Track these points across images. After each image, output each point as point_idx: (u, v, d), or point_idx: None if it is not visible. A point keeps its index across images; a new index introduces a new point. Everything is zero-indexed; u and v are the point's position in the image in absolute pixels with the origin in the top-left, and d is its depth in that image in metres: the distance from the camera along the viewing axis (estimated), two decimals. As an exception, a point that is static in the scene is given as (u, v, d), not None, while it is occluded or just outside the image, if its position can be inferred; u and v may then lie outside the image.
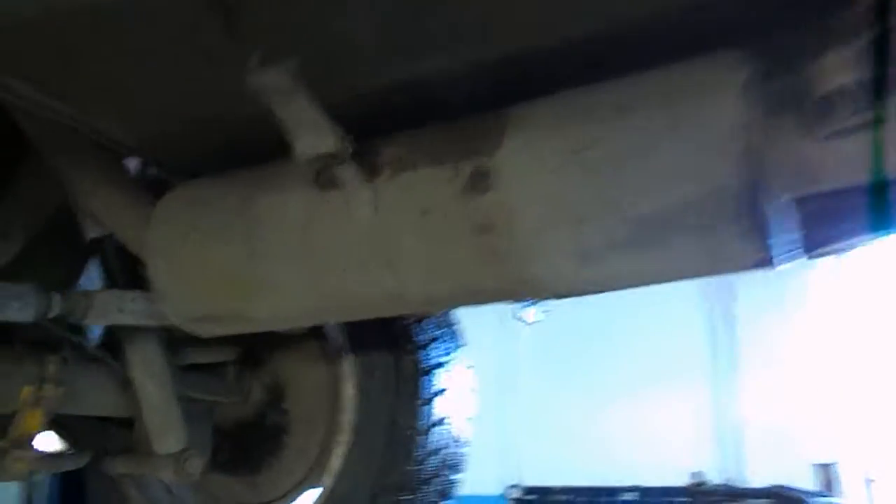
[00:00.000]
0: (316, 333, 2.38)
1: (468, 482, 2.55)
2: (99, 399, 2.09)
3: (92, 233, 1.88)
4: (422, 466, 2.26)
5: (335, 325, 2.36)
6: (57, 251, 2.26)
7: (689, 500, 7.50)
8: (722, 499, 7.17)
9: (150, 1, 1.19)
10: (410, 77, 1.33)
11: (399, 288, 1.39)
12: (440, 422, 2.32)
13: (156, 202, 1.65)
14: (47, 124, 1.72)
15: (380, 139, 1.40)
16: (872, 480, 7.34)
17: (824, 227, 1.61)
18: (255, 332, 1.73)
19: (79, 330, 2.18)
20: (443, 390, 2.34)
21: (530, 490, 8.20)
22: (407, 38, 1.26)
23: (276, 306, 1.52)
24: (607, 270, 1.24)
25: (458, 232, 1.29)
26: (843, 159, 1.14)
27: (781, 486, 6.77)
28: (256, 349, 2.44)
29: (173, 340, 2.11)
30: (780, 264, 1.16)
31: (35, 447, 1.85)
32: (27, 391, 1.87)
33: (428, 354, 2.34)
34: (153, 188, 1.86)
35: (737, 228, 1.12)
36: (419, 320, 2.38)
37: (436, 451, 2.30)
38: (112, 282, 2.08)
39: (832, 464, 7.16)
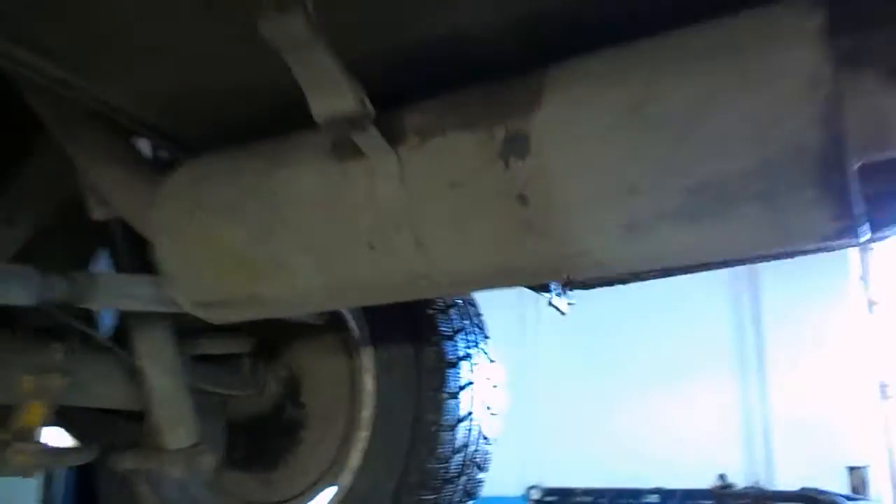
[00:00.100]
0: (334, 324, 2.27)
1: (488, 483, 2.43)
2: (106, 390, 1.99)
3: (98, 214, 1.77)
4: (446, 464, 2.14)
5: (354, 315, 2.25)
6: (68, 240, 2.17)
7: (715, 502, 7.32)
8: (749, 502, 6.98)
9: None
10: (446, 31, 1.20)
11: (426, 267, 1.26)
12: (466, 417, 2.20)
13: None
14: (54, 100, 1.62)
15: (405, 106, 1.28)
16: (904, 484, 7.15)
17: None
18: (269, 317, 1.61)
19: (88, 318, 2.09)
20: (469, 384, 2.22)
21: (551, 491, 8.05)
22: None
23: (293, 288, 1.40)
24: (660, 244, 1.11)
25: (492, 204, 1.17)
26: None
27: (812, 489, 6.58)
28: (272, 340, 2.34)
29: (184, 329, 2.01)
30: (861, 236, 1.03)
31: (38, 440, 1.74)
32: (29, 381, 1.77)
33: (453, 346, 2.22)
34: (165, 170, 1.75)
35: (814, 194, 0.98)
36: (443, 310, 2.26)
37: (461, 449, 2.19)
38: (121, 268, 1.97)
39: (864, 467, 6.96)
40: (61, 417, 2.06)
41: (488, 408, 2.35)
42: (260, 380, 2.31)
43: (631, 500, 7.61)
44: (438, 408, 2.14)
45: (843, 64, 0.99)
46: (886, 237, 1.75)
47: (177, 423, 1.94)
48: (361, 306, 2.18)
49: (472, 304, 2.46)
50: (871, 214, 1.15)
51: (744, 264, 1.81)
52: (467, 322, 2.34)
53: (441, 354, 2.18)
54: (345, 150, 1.27)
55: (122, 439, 2.17)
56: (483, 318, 2.47)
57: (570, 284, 2.11)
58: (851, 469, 6.94)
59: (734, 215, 1.04)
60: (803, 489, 6.63)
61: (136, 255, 1.87)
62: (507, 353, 2.65)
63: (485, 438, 2.31)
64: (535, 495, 8.05)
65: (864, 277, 7.78)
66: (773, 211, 1.02)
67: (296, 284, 1.39)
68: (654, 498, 7.53)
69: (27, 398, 1.76)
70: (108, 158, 1.74)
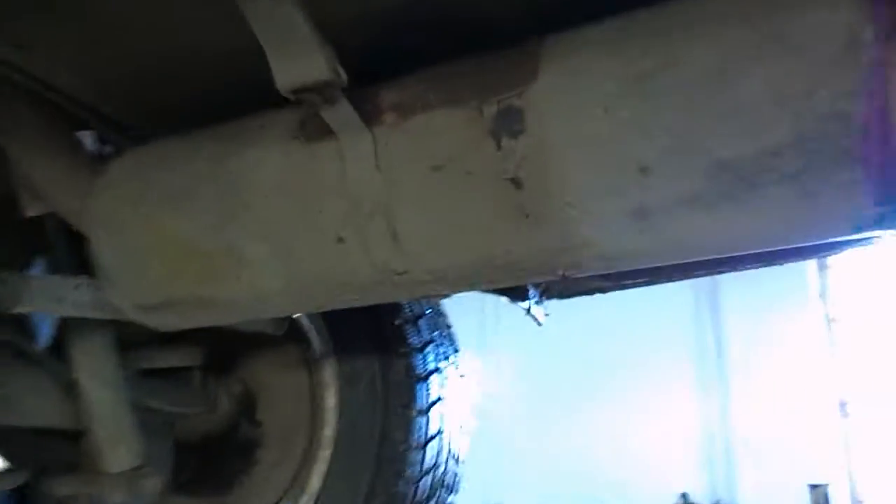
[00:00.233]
0: (293, 335, 2.10)
1: (446, 504, 2.28)
2: (39, 407, 1.78)
3: (31, 210, 1.59)
4: (415, 486, 1.98)
5: (315, 326, 2.09)
6: (2, 243, 1.97)
7: (677, 522, 7.24)
8: (712, 521, 6.91)
9: None
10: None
11: (404, 263, 1.11)
12: (436, 435, 2.05)
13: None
14: None
15: (382, 82, 1.14)
16: (861, 503, 7.15)
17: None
18: (222, 324, 1.44)
19: (23, 326, 1.90)
20: (439, 399, 2.06)
21: (511, 512, 7.89)
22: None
23: (250, 288, 1.23)
24: (674, 234, 0.98)
25: (480, 188, 1.03)
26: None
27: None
28: (225, 352, 2.15)
29: (128, 340, 1.82)
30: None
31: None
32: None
33: (422, 359, 2.07)
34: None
35: (852, 175, 0.86)
36: (412, 320, 2.11)
37: (431, 469, 2.03)
38: (57, 270, 1.78)
39: (825, 485, 6.95)
40: (-14, 437, 1.85)
41: (459, 426, 2.20)
42: (211, 396, 2.12)
43: (593, 522, 7.48)
44: (407, 426, 1.98)
45: (889, 28, 0.87)
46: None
47: (118, 443, 1.75)
48: (325, 313, 2.01)
49: (442, 314, 2.31)
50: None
51: (758, 266, 1.68)
52: (437, 334, 2.19)
53: (410, 368, 2.03)
54: (312, 129, 1.12)
55: (57, 461, 1.96)
56: (453, 329, 2.32)
57: (548, 292, 1.98)
58: (813, 487, 6.92)
59: (760, 199, 0.91)
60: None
61: (75, 257, 1.69)
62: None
63: (455, 459, 2.16)
64: (496, 517, 7.88)
65: (822, 294, 7.81)
66: (804, 194, 0.89)
67: (253, 283, 1.23)
68: (616, 518, 7.41)
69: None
70: (44, 148, 1.56)
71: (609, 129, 0.95)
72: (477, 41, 1.09)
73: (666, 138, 0.92)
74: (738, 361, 7.85)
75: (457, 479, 2.19)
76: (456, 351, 2.27)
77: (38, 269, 1.92)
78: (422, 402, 2.03)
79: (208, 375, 2.12)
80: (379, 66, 1.15)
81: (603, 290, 2.06)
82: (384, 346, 2.04)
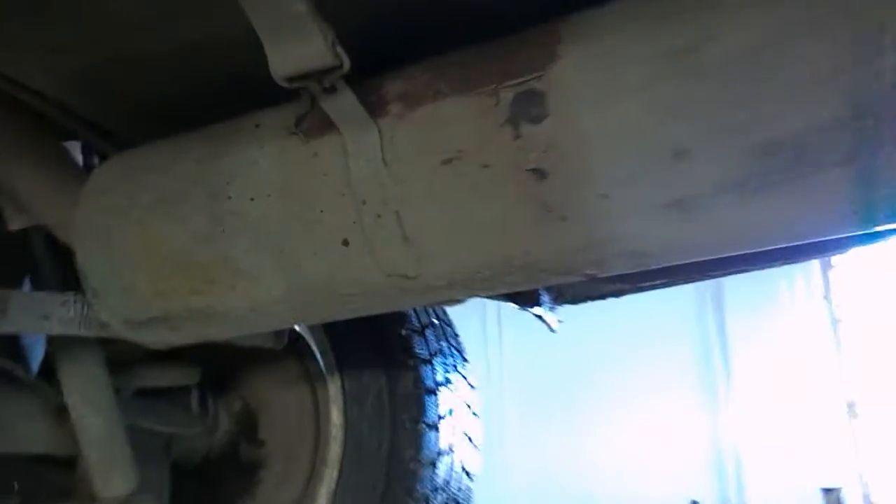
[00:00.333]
0: (294, 349, 2.00)
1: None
2: (29, 433, 1.69)
3: (15, 223, 1.50)
4: (427, 505, 1.88)
5: (317, 338, 1.99)
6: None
7: (688, 529, 7.12)
8: (724, 527, 6.79)
9: None
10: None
11: (415, 267, 1.02)
12: (447, 451, 1.95)
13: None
14: None
15: (386, 73, 1.05)
16: (875, 506, 7.05)
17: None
18: (219, 339, 1.35)
19: (13, 348, 1.80)
20: (450, 413, 1.97)
21: (519, 523, 7.76)
22: None
23: (248, 299, 1.14)
24: (715, 225, 0.89)
25: (498, 182, 0.94)
26: None
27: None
28: (223, 369, 2.05)
29: (120, 359, 1.72)
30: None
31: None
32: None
33: (430, 371, 1.97)
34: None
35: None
36: (419, 330, 2.01)
37: (442, 487, 1.93)
38: (42, 287, 1.68)
39: (838, 489, 6.84)
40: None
41: (470, 439, 2.10)
42: (210, 415, 2.02)
43: (602, 531, 7.36)
44: (416, 441, 1.89)
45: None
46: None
47: (111, 468, 1.65)
48: (327, 324, 1.92)
49: (449, 323, 2.22)
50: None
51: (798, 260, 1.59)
52: (445, 344, 2.10)
53: (418, 380, 1.93)
54: (311, 123, 1.03)
55: (50, 489, 1.87)
56: (461, 339, 2.23)
57: (561, 297, 1.89)
58: (826, 491, 6.81)
59: (810, 183, 0.82)
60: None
61: (62, 272, 1.59)
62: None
63: (467, 474, 2.06)
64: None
65: (827, 295, 7.73)
66: (860, 176, 0.81)
67: (251, 293, 1.13)
68: (626, 527, 7.30)
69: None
70: (28, 158, 1.48)
71: (643, 112, 0.86)
72: (487, 28, 1.00)
73: (705, 120, 0.84)
74: (743, 364, 7.75)
75: (470, 496, 2.09)
76: (465, 361, 2.17)
77: (26, 288, 1.83)
78: (431, 416, 1.93)
79: (206, 394, 2.02)
80: (382, 56, 1.07)
81: (619, 294, 1.97)
82: (390, 357, 1.95)
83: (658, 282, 1.84)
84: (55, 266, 1.63)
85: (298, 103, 1.07)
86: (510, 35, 0.98)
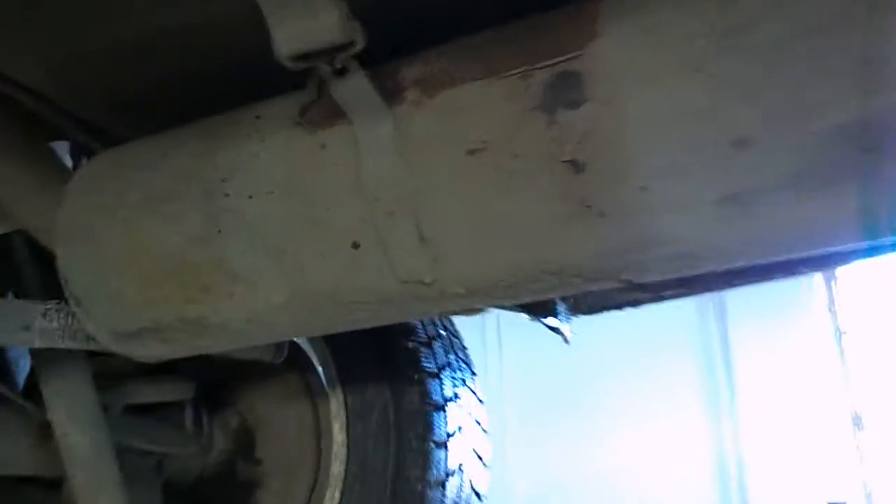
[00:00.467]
0: (294, 362, 1.89)
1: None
2: (10, 453, 1.58)
3: (-3, 227, 1.40)
4: (436, 530, 1.76)
5: (318, 351, 1.88)
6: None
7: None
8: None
9: None
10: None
11: (433, 272, 0.92)
12: (456, 471, 1.84)
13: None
14: None
15: (401, 58, 0.95)
16: (881, 518, 6.93)
17: None
18: (217, 351, 1.24)
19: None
20: (458, 430, 1.86)
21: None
22: None
23: (248, 309, 1.03)
24: (768, 223, 0.79)
25: (529, 175, 0.84)
26: None
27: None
28: (218, 383, 1.94)
29: (109, 373, 1.61)
30: None
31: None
32: None
33: (438, 385, 1.86)
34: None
35: None
36: (426, 342, 1.91)
37: (452, 509, 1.82)
38: (24, 296, 1.57)
39: (843, 503, 6.73)
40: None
41: (480, 458, 1.99)
42: (205, 432, 1.91)
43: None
44: (423, 460, 1.77)
45: None
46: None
47: (99, 490, 1.54)
48: (328, 336, 1.81)
49: (457, 335, 2.11)
50: None
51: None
52: (453, 356, 1.99)
53: (425, 396, 1.82)
54: (319, 112, 0.93)
55: (33, 512, 1.75)
56: (468, 351, 2.12)
57: (577, 307, 1.78)
58: (833, 506, 6.70)
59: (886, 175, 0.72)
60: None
61: (45, 280, 1.49)
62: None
63: (477, 495, 1.95)
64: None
65: (831, 306, 7.63)
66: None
67: (250, 302, 1.03)
68: (629, 542, 7.17)
69: None
70: (11, 159, 1.37)
71: (698, 95, 0.76)
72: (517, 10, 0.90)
73: (768, 104, 0.74)
74: (746, 375, 7.66)
75: (479, 517, 1.98)
76: (473, 375, 2.06)
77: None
78: (440, 434, 1.82)
79: (200, 409, 1.91)
80: (395, 41, 0.96)
81: (636, 304, 1.86)
82: (396, 371, 1.84)
83: (679, 291, 1.74)
84: (38, 273, 1.52)
85: (304, 92, 0.97)
86: (541, 13, 0.88)
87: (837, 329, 7.58)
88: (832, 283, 7.68)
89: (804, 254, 0.88)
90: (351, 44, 0.80)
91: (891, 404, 7.18)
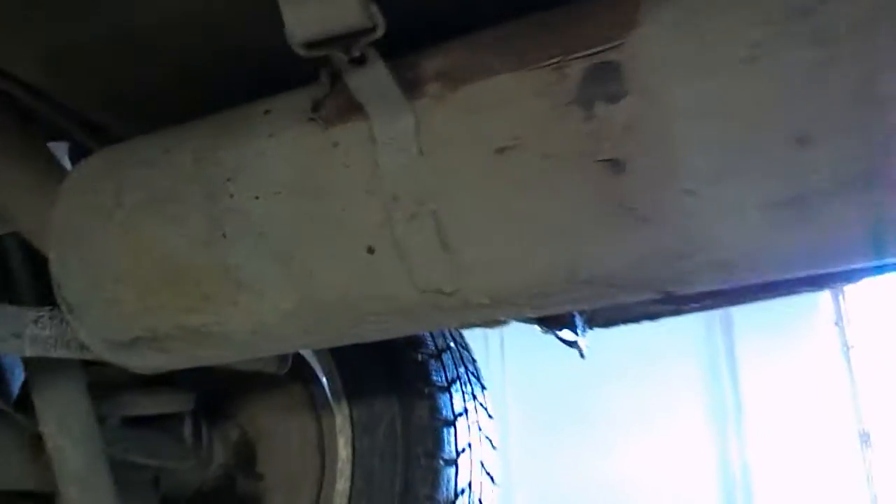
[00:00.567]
0: (298, 373, 1.82)
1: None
2: (1, 468, 1.50)
3: (-13, 228, 1.33)
4: (445, 551, 1.69)
5: (323, 361, 1.81)
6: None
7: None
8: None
9: None
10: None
11: (457, 281, 0.85)
12: (465, 489, 1.76)
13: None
14: None
15: (422, 51, 0.88)
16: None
17: None
18: (219, 362, 1.17)
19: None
20: (468, 447, 1.78)
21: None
22: None
23: (253, 318, 0.96)
24: (826, 229, 0.72)
25: (563, 175, 0.77)
26: None
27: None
28: (219, 394, 1.87)
29: (105, 383, 1.54)
30: None
31: None
32: None
33: (448, 400, 1.79)
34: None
35: None
36: (436, 355, 1.83)
37: (460, 529, 1.74)
38: (18, 301, 1.50)
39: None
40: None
41: (489, 475, 1.91)
42: (204, 446, 1.83)
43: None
44: (433, 478, 1.70)
45: None
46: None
47: (92, 506, 1.46)
48: (338, 347, 1.73)
49: (467, 347, 2.03)
50: None
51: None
52: (463, 370, 1.92)
53: (434, 411, 1.75)
54: (333, 106, 0.86)
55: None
56: (478, 364, 2.05)
57: (593, 320, 1.71)
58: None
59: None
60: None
61: (39, 286, 1.42)
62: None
63: (487, 514, 1.87)
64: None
65: (838, 322, 7.55)
66: None
67: (255, 310, 0.95)
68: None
69: None
70: (4, 157, 1.31)
71: (751, 88, 0.69)
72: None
73: (833, 98, 0.66)
74: (753, 389, 7.57)
75: (489, 538, 1.90)
76: (483, 389, 1.99)
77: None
78: (449, 451, 1.75)
79: (200, 422, 1.84)
80: (415, 32, 0.89)
81: (655, 316, 1.79)
82: (404, 385, 1.77)
83: (704, 303, 1.67)
84: (32, 278, 1.45)
85: (316, 86, 0.90)
86: (575, 1, 0.81)
87: (845, 344, 7.50)
88: (840, 297, 7.60)
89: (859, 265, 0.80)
90: (370, 30, 0.73)
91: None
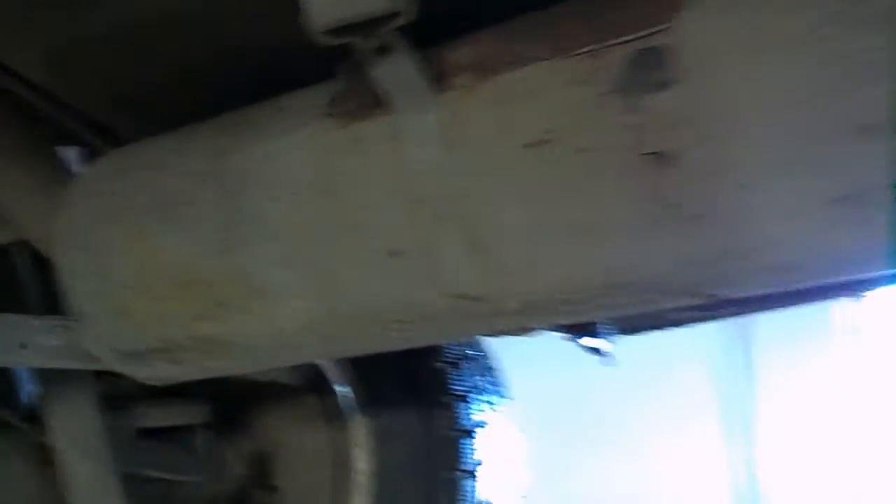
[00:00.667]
0: (315, 383, 1.76)
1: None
2: (10, 482, 1.46)
3: (-5, 237, 1.29)
4: (467, 568, 1.63)
5: (340, 370, 1.75)
6: None
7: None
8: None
9: None
10: None
11: (486, 285, 0.79)
12: (486, 502, 1.70)
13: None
14: None
15: (450, 42, 0.82)
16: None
17: None
18: (233, 373, 1.12)
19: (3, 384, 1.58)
20: (491, 459, 1.72)
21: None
22: None
23: (268, 327, 0.91)
24: (888, 226, 0.66)
25: (603, 170, 0.71)
26: None
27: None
28: (233, 405, 1.82)
29: (115, 394, 1.49)
30: None
31: None
32: None
33: (468, 410, 1.73)
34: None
35: None
36: (455, 361, 1.77)
37: (483, 545, 1.68)
38: (26, 311, 1.46)
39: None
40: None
41: (510, 487, 1.85)
42: (218, 458, 1.78)
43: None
44: (452, 491, 1.64)
45: None
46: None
47: (102, 521, 1.42)
48: (358, 357, 1.68)
49: (486, 356, 1.97)
50: None
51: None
52: (484, 378, 1.86)
53: (454, 421, 1.69)
54: (354, 100, 0.81)
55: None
56: (501, 372, 1.98)
57: (626, 327, 1.64)
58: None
59: None
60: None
61: (47, 294, 1.37)
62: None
63: (510, 529, 1.80)
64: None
65: (860, 330, 7.44)
66: None
67: (270, 319, 0.90)
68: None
69: None
70: (14, 164, 1.26)
71: (811, 74, 0.63)
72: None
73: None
74: (770, 400, 7.44)
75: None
76: (505, 398, 1.93)
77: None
78: (468, 463, 1.69)
79: (213, 434, 1.79)
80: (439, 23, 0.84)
81: (680, 323, 1.73)
82: (422, 395, 1.71)
83: (733, 310, 1.60)
84: (40, 286, 1.40)
85: (336, 81, 0.85)
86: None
87: (867, 352, 7.38)
88: (860, 306, 7.49)
89: None
90: (397, 15, 0.68)
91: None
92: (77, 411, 1.40)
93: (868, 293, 1.64)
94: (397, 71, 0.74)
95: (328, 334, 0.91)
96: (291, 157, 0.86)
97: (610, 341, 1.66)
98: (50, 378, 1.36)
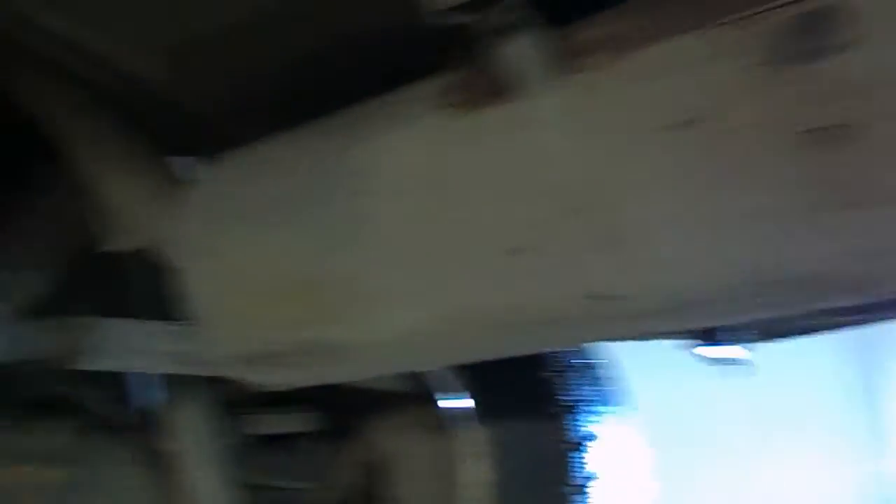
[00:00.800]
0: (427, 390, 1.72)
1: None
2: (125, 491, 1.48)
3: (119, 243, 1.30)
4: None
5: (455, 377, 1.71)
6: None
7: None
8: None
9: None
10: None
11: (627, 283, 0.72)
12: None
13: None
14: (61, 93, 1.17)
15: (581, 20, 0.76)
16: None
17: None
18: (347, 379, 1.09)
19: (115, 387, 1.61)
20: (609, 472, 1.64)
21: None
22: None
23: (382, 332, 0.87)
24: None
25: (753, 152, 0.63)
26: None
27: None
28: (347, 413, 1.79)
29: (231, 401, 1.49)
30: None
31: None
32: (22, 473, 1.29)
33: (575, 422, 1.67)
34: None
35: None
36: (566, 369, 1.71)
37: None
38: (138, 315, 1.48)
39: None
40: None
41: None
42: (331, 467, 1.76)
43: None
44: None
45: None
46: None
47: (222, 532, 1.42)
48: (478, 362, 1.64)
49: (600, 366, 1.89)
50: None
51: None
52: (596, 388, 1.78)
53: (563, 433, 1.63)
54: (473, 87, 0.76)
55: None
56: (619, 382, 1.90)
57: (768, 333, 1.52)
58: None
59: None
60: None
61: (162, 299, 1.39)
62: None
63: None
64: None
65: None
66: None
67: (385, 323, 0.86)
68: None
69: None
70: (128, 168, 1.28)
71: None
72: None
73: None
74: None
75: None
76: (622, 409, 1.84)
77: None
78: (577, 477, 1.62)
79: (330, 442, 1.77)
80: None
81: (814, 330, 1.59)
82: (537, 403, 1.65)
83: (880, 314, 1.46)
84: (154, 293, 1.42)
85: (448, 73, 0.81)
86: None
87: None
88: None
89: None
90: None
91: None
92: (195, 418, 1.41)
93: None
94: (523, 51, 0.69)
95: (443, 340, 0.86)
96: (405, 152, 0.82)
97: (746, 349, 1.54)
98: (168, 384, 1.37)
